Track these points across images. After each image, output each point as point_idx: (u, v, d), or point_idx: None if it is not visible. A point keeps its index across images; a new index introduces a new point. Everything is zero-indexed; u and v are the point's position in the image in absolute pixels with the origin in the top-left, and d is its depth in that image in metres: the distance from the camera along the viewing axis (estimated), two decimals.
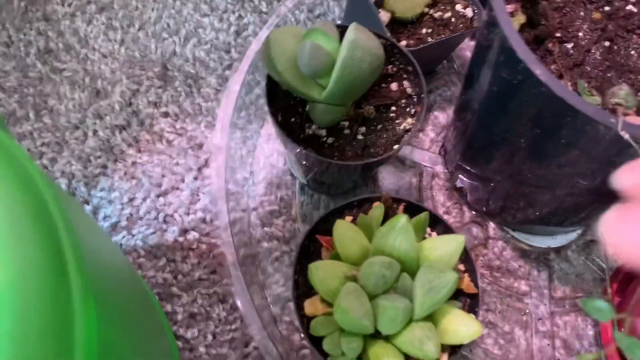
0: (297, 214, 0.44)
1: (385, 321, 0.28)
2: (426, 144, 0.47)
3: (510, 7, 0.35)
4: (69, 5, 0.52)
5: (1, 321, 0.17)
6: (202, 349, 0.39)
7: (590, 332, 0.41)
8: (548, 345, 0.40)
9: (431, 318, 0.30)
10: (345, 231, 0.31)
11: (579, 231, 0.44)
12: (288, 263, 0.42)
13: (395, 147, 0.36)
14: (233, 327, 0.40)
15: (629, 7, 0.35)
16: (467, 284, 0.33)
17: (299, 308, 0.32)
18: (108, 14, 0.52)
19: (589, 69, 0.33)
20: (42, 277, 0.18)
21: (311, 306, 0.31)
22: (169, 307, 0.40)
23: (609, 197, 0.22)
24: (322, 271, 0.30)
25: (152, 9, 0.52)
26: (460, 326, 0.29)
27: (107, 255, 0.27)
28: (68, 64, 0.49)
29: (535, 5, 0.36)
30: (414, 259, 0.30)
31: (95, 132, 0.47)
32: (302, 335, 0.32)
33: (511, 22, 0.32)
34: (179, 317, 0.40)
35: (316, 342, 0.31)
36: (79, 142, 0.46)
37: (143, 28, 0.51)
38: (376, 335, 0.30)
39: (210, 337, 0.40)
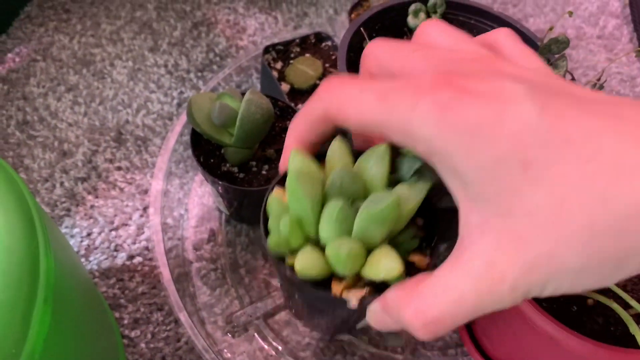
0: (222, 240, 0.55)
1: (326, 218, 0.27)
2: None
3: None
4: (43, 87, 0.65)
5: None
6: (142, 345, 0.49)
7: None
8: None
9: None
10: (337, 150, 0.30)
11: None
12: (214, 278, 0.53)
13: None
14: (168, 328, 0.50)
15: None
16: (419, 259, 0.31)
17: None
18: (74, 92, 0.65)
19: None
20: (20, 234, 0.30)
21: (277, 193, 0.31)
22: (117, 314, 0.50)
23: None
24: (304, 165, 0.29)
25: (110, 88, 0.66)
26: (383, 259, 0.27)
27: (65, 247, 0.38)
28: (41, 132, 0.62)
29: None
30: (378, 185, 0.29)
31: (61, 183, 0.58)
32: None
33: None
34: (125, 321, 0.50)
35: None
36: (48, 191, 0.57)
37: (102, 103, 0.64)
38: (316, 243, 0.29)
39: (149, 336, 0.50)
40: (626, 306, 0.37)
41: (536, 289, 0.21)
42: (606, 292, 0.39)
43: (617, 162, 0.18)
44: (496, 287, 0.21)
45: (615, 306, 0.36)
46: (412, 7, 0.50)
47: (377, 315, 0.26)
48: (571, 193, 0.19)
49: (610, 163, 0.18)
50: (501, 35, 0.27)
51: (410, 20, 0.50)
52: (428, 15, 0.50)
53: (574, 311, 0.40)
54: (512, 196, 0.20)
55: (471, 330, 0.48)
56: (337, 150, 0.30)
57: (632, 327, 0.34)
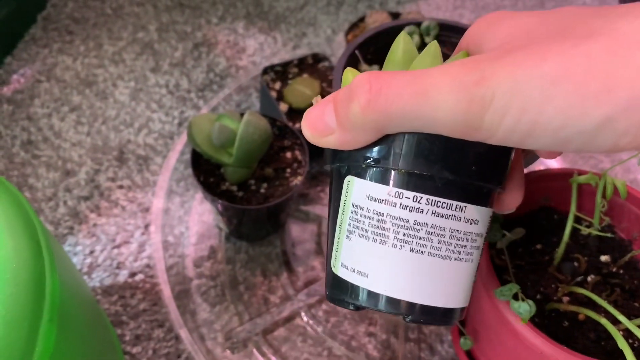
0: (222, 257, 0.56)
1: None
2: (325, 200, 0.61)
3: None
4: (47, 107, 0.67)
5: (5, 275, 0.29)
6: None
7: (449, 337, 0.53)
8: (415, 345, 0.52)
9: None
10: (401, 43, 0.29)
11: None
12: (214, 295, 0.54)
13: (286, 196, 0.50)
14: (169, 344, 0.51)
15: None
16: None
17: None
18: (78, 112, 0.66)
19: None
20: (26, 255, 0.31)
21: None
22: (119, 331, 0.51)
23: None
24: None
25: (113, 108, 0.67)
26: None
27: (69, 267, 0.39)
28: (45, 151, 0.63)
29: None
30: None
31: (65, 202, 0.59)
32: None
33: None
34: (127, 338, 0.51)
35: None
36: (52, 210, 0.59)
37: (105, 123, 0.66)
38: None
39: (151, 352, 0.51)
40: (615, 321, 0.38)
41: None
42: (596, 307, 0.40)
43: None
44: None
45: (604, 321, 0.37)
46: (406, 30, 0.51)
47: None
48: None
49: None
50: None
51: None
52: (421, 38, 0.51)
53: (566, 326, 0.41)
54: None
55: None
56: (402, 44, 0.29)
57: (620, 342, 0.35)
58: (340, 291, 0.27)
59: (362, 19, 0.68)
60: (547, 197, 0.47)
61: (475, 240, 0.26)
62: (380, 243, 0.25)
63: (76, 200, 0.59)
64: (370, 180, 0.25)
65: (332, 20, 0.82)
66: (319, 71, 0.63)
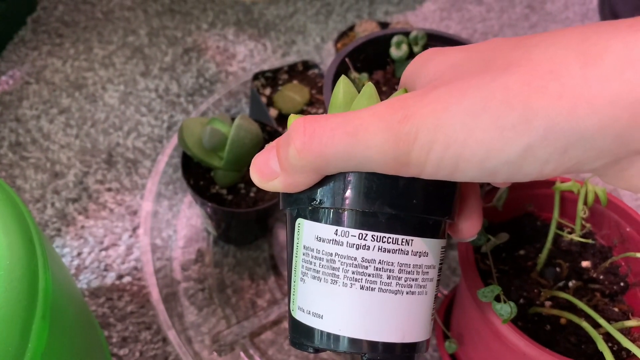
0: (210, 261, 0.57)
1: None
2: None
3: None
4: (36, 109, 0.67)
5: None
6: None
7: (434, 341, 0.54)
8: None
9: None
10: (341, 87, 0.29)
11: None
12: (202, 298, 0.54)
13: (275, 200, 0.51)
14: (156, 346, 0.51)
15: None
16: None
17: None
18: (67, 115, 0.66)
19: None
20: (20, 252, 0.31)
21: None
22: (106, 333, 0.51)
23: None
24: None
25: (102, 111, 0.67)
26: None
27: (60, 265, 0.39)
28: (33, 153, 0.63)
29: None
30: None
31: (53, 204, 0.59)
32: None
33: None
34: (114, 340, 0.51)
35: None
36: (39, 211, 0.59)
37: (94, 125, 0.66)
38: None
39: (138, 354, 0.51)
40: (596, 325, 0.39)
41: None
42: (578, 311, 0.41)
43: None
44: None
45: (585, 325, 0.38)
46: (395, 39, 0.52)
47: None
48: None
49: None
50: None
51: (393, 51, 0.53)
52: (410, 47, 0.53)
53: (548, 330, 0.42)
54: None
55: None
56: (342, 87, 0.29)
57: (600, 345, 0.36)
58: (299, 335, 0.27)
59: (351, 28, 0.69)
60: (530, 204, 0.48)
61: (427, 272, 0.26)
62: (331, 283, 0.25)
63: (64, 202, 0.60)
64: (318, 221, 0.26)
65: (321, 29, 0.83)
66: (309, 78, 0.63)
